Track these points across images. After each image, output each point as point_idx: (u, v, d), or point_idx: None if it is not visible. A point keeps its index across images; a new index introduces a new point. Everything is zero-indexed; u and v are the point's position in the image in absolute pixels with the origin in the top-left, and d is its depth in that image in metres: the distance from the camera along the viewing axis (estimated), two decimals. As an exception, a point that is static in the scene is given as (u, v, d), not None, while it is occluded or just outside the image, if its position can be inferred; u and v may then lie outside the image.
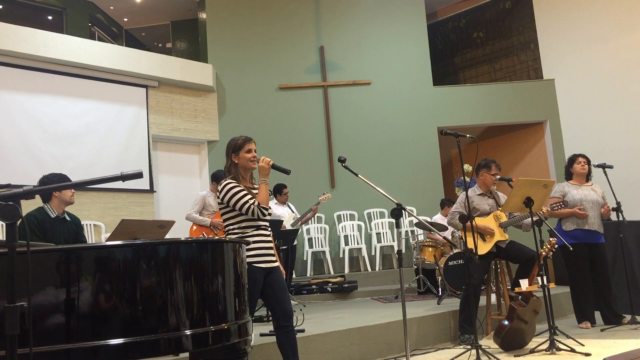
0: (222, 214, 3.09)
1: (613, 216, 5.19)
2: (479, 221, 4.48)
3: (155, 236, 3.72)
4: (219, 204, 3.08)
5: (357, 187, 8.70)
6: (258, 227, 3.05)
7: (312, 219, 7.37)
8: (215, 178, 5.80)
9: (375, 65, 9.69)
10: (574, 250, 4.69)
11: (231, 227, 3.04)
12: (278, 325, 3.05)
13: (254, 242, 3.00)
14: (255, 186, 3.15)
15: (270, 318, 4.73)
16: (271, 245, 3.11)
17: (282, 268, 3.21)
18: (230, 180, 3.04)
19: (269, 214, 3.07)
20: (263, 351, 3.62)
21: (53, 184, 2.80)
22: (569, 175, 5.14)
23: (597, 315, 4.90)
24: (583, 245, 4.83)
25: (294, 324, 3.11)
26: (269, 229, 3.15)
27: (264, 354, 3.60)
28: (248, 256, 2.93)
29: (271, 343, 3.67)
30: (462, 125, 9.62)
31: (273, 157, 3.21)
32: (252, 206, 2.95)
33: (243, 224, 3.02)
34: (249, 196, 2.99)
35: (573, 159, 5.11)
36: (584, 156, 5.09)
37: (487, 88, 10.06)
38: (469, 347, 3.83)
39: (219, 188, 3.04)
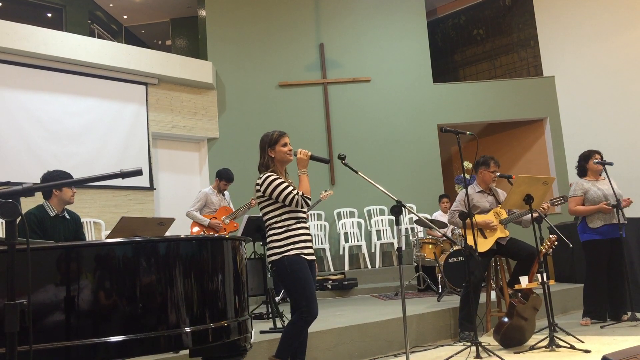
0: (262, 208, 3.10)
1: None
2: (479, 218, 4.47)
3: (155, 234, 3.72)
4: (258, 197, 3.09)
5: (357, 184, 8.69)
6: (299, 220, 3.08)
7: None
8: (219, 175, 5.81)
9: (375, 63, 9.67)
10: (597, 247, 4.74)
11: (272, 220, 3.06)
12: None
13: (300, 234, 3.04)
14: (289, 180, 3.18)
15: (270, 315, 4.74)
16: (311, 238, 3.16)
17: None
18: (270, 173, 3.06)
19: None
20: (263, 348, 3.62)
21: (54, 181, 2.80)
22: (583, 172, 5.01)
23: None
24: (607, 242, 4.77)
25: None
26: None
27: (264, 352, 3.60)
28: (296, 248, 2.99)
29: (271, 340, 3.68)
30: (462, 122, 9.60)
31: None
32: (296, 196, 2.98)
33: (284, 216, 3.04)
34: (292, 187, 3.02)
35: (589, 155, 4.95)
36: (600, 153, 4.97)
37: (487, 85, 10.05)
38: (469, 344, 3.83)
39: (259, 182, 3.05)
